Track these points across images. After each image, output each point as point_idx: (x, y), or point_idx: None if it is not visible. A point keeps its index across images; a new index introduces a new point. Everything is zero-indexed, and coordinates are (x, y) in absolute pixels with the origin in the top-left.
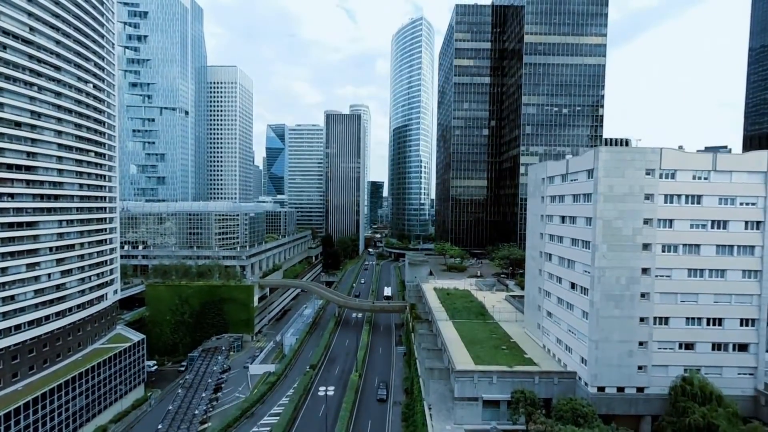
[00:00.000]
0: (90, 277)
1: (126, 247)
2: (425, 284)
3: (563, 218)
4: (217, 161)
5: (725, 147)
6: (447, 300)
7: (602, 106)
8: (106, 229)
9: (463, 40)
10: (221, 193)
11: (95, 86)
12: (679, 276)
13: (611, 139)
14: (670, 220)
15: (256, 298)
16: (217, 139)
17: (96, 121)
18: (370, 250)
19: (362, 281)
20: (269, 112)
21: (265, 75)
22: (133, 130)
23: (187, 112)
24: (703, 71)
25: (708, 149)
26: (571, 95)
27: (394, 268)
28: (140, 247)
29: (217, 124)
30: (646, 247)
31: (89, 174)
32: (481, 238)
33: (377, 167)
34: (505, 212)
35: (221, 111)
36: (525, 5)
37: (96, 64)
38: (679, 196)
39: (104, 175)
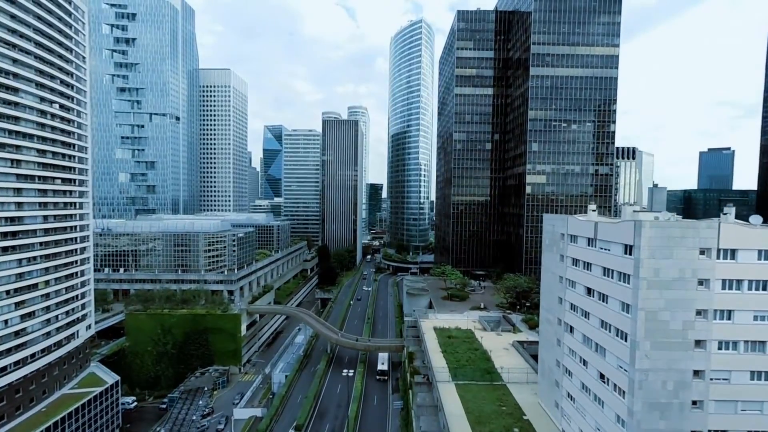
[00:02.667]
0: (57, 316)
1: (106, 270)
2: (424, 321)
3: (590, 290)
4: (211, 168)
5: (728, 149)
6: (448, 347)
7: (614, 122)
8: (76, 261)
9: (465, 49)
10: (215, 202)
11: (62, 106)
12: (740, 380)
13: (616, 148)
14: (729, 311)
15: (243, 327)
16: (211, 144)
17: (63, 144)
18: (368, 257)
19: (360, 295)
20: (269, 109)
21: (265, 73)
22: (122, 137)
23: (178, 118)
24: (699, 71)
25: (711, 150)
26: (580, 110)
27: (392, 285)
28: (121, 270)
29: (210, 130)
30: (698, 344)
31: (56, 204)
32: (483, 257)
33: (376, 166)
34: (510, 231)
35: (214, 115)
36: (532, 13)
37: (63, 82)
38: (740, 281)
39: (74, 203)
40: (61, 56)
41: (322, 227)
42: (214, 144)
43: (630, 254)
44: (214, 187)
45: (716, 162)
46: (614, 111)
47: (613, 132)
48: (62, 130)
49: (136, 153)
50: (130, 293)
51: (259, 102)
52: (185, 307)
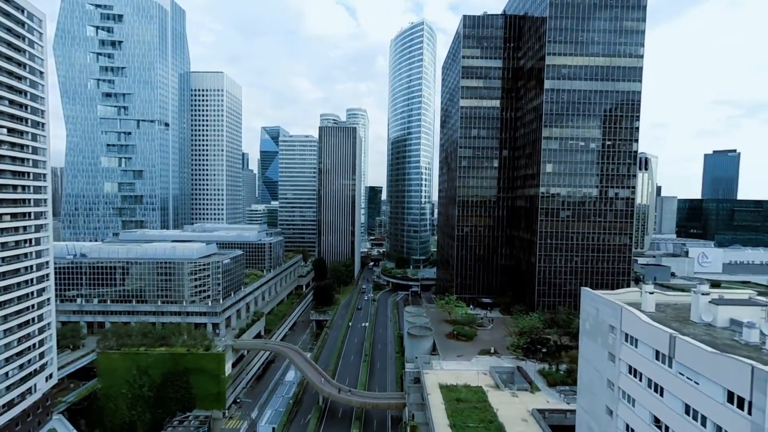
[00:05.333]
0: (8, 373)
1: (79, 301)
2: (428, 374)
3: (659, 421)
4: (203, 176)
5: (733, 151)
6: (458, 417)
7: (636, 141)
8: (33, 306)
9: (472, 57)
10: (207, 211)
11: (11, 131)
12: None
13: None
14: None
15: (229, 365)
16: (203, 151)
17: (14, 174)
18: (370, 263)
19: (357, 321)
20: (269, 108)
21: (265, 71)
22: (108, 145)
23: (167, 124)
24: (698, 70)
25: (716, 153)
26: (599, 127)
27: (392, 306)
28: (95, 301)
29: (202, 136)
30: None
31: (4, 244)
32: (490, 283)
33: (376, 164)
34: (520, 257)
35: (206, 121)
36: (546, 19)
37: (12, 102)
38: None
39: (29, 240)
40: (10, 73)
41: (318, 239)
42: (206, 151)
43: (739, 407)
44: (207, 195)
45: (721, 164)
46: (637, 128)
47: (636, 152)
48: (12, 158)
49: (123, 161)
50: (105, 326)
51: (259, 101)
52: (164, 343)
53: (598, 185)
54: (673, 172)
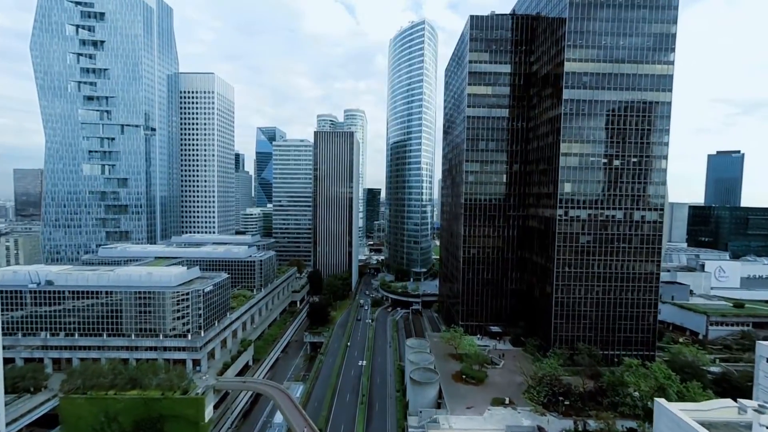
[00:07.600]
0: None
1: (44, 335)
2: None
3: None
4: (193, 182)
5: (737, 151)
6: None
7: (665, 158)
8: None
9: (479, 62)
10: (198, 221)
11: None
12: None
13: None
14: None
15: (209, 409)
16: (193, 157)
17: None
18: (370, 271)
19: (355, 353)
20: (269, 106)
21: (265, 69)
22: (90, 151)
23: (153, 129)
24: (695, 68)
25: (720, 153)
26: (624, 142)
27: (392, 329)
28: (62, 334)
29: (192, 140)
30: None
31: None
32: (499, 309)
33: (375, 162)
34: (532, 283)
35: (196, 124)
36: (566, 20)
37: None
38: None
39: None
40: None
41: (314, 249)
42: (197, 155)
43: None
44: (197, 202)
45: (724, 165)
46: (666, 144)
47: (664, 170)
48: None
49: (106, 169)
50: (73, 363)
51: (258, 99)
52: (136, 384)
53: (622, 207)
54: (672, 171)
